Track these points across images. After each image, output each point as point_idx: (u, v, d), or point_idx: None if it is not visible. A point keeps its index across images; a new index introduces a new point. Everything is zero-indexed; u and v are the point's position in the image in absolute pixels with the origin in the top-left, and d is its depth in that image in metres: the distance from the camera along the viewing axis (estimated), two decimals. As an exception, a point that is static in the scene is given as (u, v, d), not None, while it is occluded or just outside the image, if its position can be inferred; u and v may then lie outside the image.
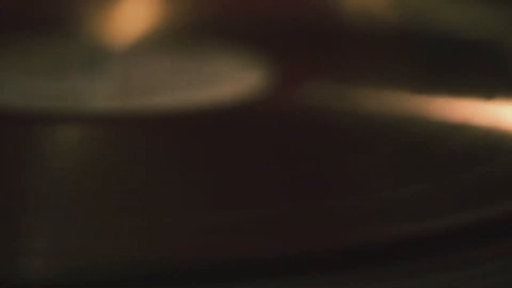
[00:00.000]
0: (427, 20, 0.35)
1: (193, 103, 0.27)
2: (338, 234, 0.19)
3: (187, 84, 0.29)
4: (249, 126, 0.26)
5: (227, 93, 0.28)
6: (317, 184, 0.22)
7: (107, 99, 0.28)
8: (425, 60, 0.31)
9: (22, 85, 0.28)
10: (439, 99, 0.27)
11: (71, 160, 0.23)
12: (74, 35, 0.32)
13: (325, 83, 0.28)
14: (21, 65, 0.30)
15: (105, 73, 0.29)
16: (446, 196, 0.21)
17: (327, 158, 0.24)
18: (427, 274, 0.18)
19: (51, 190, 0.22)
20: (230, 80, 0.29)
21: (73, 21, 0.33)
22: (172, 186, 0.22)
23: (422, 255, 0.19)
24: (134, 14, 0.33)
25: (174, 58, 0.31)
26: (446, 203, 0.21)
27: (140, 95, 0.28)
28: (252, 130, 0.26)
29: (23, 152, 0.24)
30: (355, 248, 0.19)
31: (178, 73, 0.30)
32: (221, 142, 0.25)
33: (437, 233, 0.19)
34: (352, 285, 0.18)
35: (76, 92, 0.28)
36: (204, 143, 0.25)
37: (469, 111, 0.26)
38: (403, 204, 0.21)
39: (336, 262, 0.18)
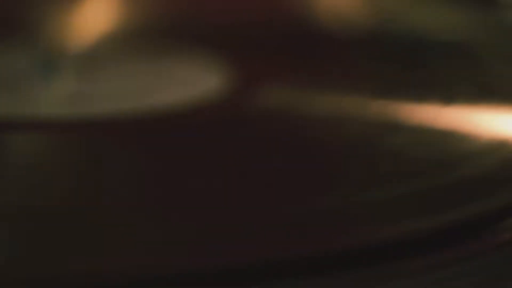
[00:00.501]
0: (395, 23, 0.35)
1: (151, 107, 0.27)
2: (315, 239, 0.19)
3: (145, 88, 0.29)
4: (206, 130, 0.25)
5: (185, 97, 0.27)
6: (281, 189, 0.22)
7: (63, 104, 0.28)
8: (391, 63, 0.31)
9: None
10: (403, 103, 0.27)
11: (24, 167, 0.23)
12: (29, 39, 0.32)
13: (286, 86, 0.28)
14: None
15: (60, 78, 0.29)
16: (417, 200, 0.21)
17: (286, 163, 0.23)
18: (399, 278, 0.18)
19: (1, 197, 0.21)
20: (188, 83, 0.29)
21: (28, 24, 0.33)
22: (125, 192, 0.21)
23: (395, 258, 0.18)
24: (91, 18, 0.33)
25: (132, 62, 0.31)
26: (418, 207, 0.21)
27: (96, 100, 0.28)
28: (210, 134, 0.25)
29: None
30: (333, 252, 0.18)
31: (136, 77, 0.30)
32: (178, 146, 0.24)
33: (410, 237, 0.19)
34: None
35: (31, 98, 0.28)
36: (161, 148, 0.24)
37: (432, 114, 0.26)
38: (373, 209, 0.21)
39: (315, 266, 0.18)
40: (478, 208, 0.20)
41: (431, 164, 0.23)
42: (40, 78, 0.29)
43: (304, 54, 0.31)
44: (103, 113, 0.26)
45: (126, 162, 0.23)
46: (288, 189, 0.22)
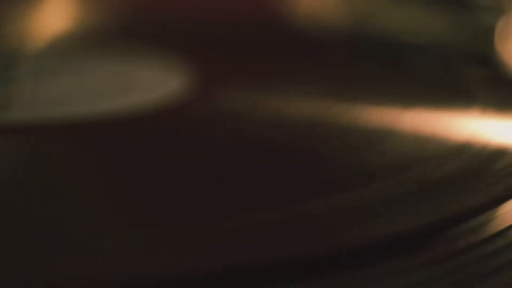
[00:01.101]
0: (369, 25, 0.35)
1: (110, 110, 0.26)
2: (276, 246, 0.19)
3: (105, 90, 0.29)
4: (167, 133, 0.25)
5: (146, 100, 0.27)
6: (243, 194, 0.21)
7: (20, 107, 0.27)
8: (360, 65, 0.31)
9: None
10: (364, 105, 0.27)
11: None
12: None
13: (247, 88, 0.28)
14: None
15: (18, 81, 0.29)
16: (381, 206, 0.21)
17: (246, 166, 0.23)
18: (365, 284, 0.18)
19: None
20: (149, 86, 0.29)
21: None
22: (91, 195, 0.21)
23: (361, 264, 0.18)
24: (49, 19, 0.33)
25: (92, 64, 0.31)
26: (381, 212, 0.20)
27: (55, 103, 0.27)
28: (170, 136, 0.25)
29: None
30: (301, 260, 0.18)
31: (95, 79, 0.29)
32: (138, 148, 0.24)
33: (374, 242, 0.19)
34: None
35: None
36: (122, 150, 0.24)
37: (396, 117, 0.26)
38: (333, 215, 0.20)
39: (279, 273, 0.18)
40: (441, 213, 0.20)
41: (392, 168, 0.23)
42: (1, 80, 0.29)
43: (268, 56, 0.31)
44: (62, 116, 0.26)
45: (88, 165, 0.23)
46: (255, 192, 0.21)
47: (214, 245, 0.19)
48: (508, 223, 0.20)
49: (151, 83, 0.29)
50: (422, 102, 0.27)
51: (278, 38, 0.32)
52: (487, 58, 0.32)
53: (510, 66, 0.31)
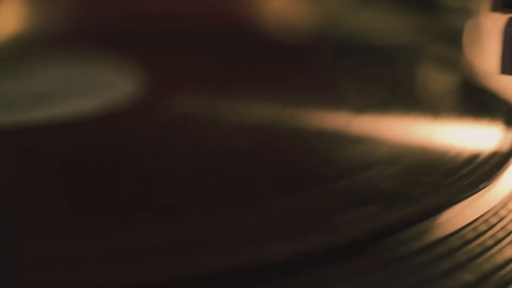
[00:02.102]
0: (332, 29, 0.35)
1: (59, 113, 0.26)
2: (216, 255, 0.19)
3: (54, 93, 0.28)
4: (118, 136, 0.25)
5: (96, 103, 0.27)
6: (191, 198, 0.21)
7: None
8: (319, 70, 0.31)
9: None
10: (319, 109, 0.27)
11: None
12: None
13: (200, 93, 0.28)
14: None
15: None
16: (316, 213, 0.21)
17: (195, 170, 0.23)
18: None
19: None
20: (100, 89, 0.28)
21: None
22: (41, 200, 0.21)
23: (302, 270, 0.18)
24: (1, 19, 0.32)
25: (40, 67, 0.30)
26: (317, 219, 0.20)
27: (4, 106, 0.27)
28: (120, 139, 0.25)
29: None
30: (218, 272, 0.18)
31: (44, 82, 0.29)
32: (89, 152, 0.24)
33: (315, 247, 0.19)
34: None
35: None
36: (73, 154, 0.24)
37: (346, 121, 0.26)
38: (277, 220, 0.20)
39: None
40: (383, 220, 0.20)
41: (338, 173, 0.23)
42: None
43: (226, 60, 0.31)
44: (8, 120, 0.26)
45: (37, 167, 0.23)
46: (196, 200, 0.21)
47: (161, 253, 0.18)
48: (448, 231, 0.20)
49: (102, 86, 0.28)
50: (382, 106, 0.27)
51: (239, 41, 0.32)
52: (454, 61, 0.32)
53: (477, 68, 0.31)
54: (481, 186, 0.22)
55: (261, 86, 0.29)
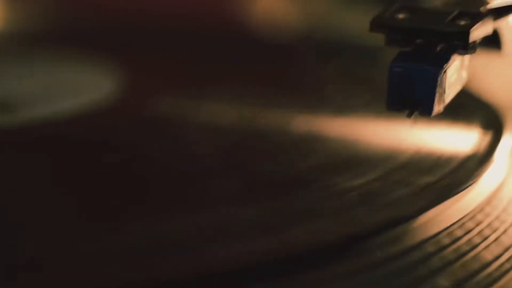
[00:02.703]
0: (316, 29, 0.35)
1: (38, 114, 0.26)
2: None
3: (33, 95, 0.28)
4: (96, 136, 0.25)
5: (74, 104, 0.27)
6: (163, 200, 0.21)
7: None
8: (299, 70, 0.30)
9: None
10: (295, 111, 0.27)
11: None
12: None
13: (176, 94, 0.28)
14: None
15: None
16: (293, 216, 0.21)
17: (171, 169, 0.23)
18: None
19: None
20: (78, 90, 0.28)
21: None
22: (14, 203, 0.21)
23: (276, 274, 0.18)
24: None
25: (17, 67, 0.30)
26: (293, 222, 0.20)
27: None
28: (98, 140, 0.25)
29: None
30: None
31: (23, 82, 0.29)
32: (67, 153, 0.24)
33: (290, 252, 0.19)
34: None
35: None
36: (50, 155, 0.24)
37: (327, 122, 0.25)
38: (251, 223, 0.20)
39: None
40: (359, 225, 0.20)
41: (313, 176, 0.22)
42: None
43: (206, 60, 0.30)
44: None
45: (19, 169, 0.23)
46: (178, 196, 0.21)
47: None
48: (424, 236, 0.20)
49: (82, 87, 0.28)
50: (365, 107, 0.27)
51: (224, 41, 0.32)
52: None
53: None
54: (458, 190, 0.21)
55: (244, 87, 0.28)
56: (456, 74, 0.22)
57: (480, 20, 0.21)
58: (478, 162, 0.23)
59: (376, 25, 0.22)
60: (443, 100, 0.21)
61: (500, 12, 0.23)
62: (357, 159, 0.23)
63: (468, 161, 0.23)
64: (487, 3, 0.22)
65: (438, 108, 0.21)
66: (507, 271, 0.20)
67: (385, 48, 0.32)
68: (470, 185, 0.22)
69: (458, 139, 0.24)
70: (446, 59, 0.21)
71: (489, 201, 0.22)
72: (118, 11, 0.33)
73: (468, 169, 0.22)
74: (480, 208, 0.21)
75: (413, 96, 0.21)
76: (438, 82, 0.21)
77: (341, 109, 0.27)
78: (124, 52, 0.30)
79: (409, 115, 0.21)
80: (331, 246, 0.19)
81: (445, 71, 0.21)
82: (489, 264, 0.20)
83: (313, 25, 0.35)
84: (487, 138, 0.24)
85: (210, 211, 0.20)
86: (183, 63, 0.30)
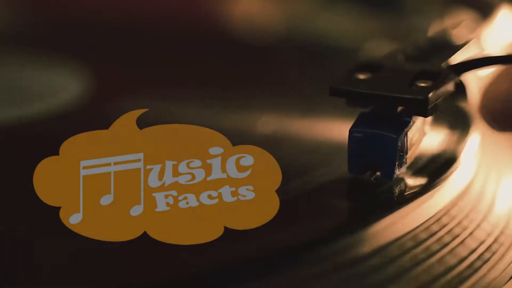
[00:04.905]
0: (297, 30, 0.35)
1: (5, 117, 0.26)
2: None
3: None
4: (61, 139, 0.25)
5: (39, 107, 0.27)
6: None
7: None
8: (276, 73, 0.30)
9: None
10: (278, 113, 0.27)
11: None
12: None
13: (146, 96, 0.27)
14: None
15: None
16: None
17: None
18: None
19: None
20: (43, 93, 0.28)
21: None
22: None
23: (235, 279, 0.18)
24: None
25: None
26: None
27: None
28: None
29: None
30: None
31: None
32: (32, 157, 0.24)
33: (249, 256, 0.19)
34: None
35: None
36: (17, 157, 0.24)
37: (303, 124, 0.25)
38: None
39: None
40: (318, 229, 0.20)
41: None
42: None
43: (179, 62, 0.30)
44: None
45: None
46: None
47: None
48: (386, 240, 0.19)
49: (48, 90, 0.28)
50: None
51: (200, 42, 0.32)
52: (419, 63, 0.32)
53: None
54: (423, 191, 0.21)
55: (219, 89, 0.28)
56: (418, 133, 0.22)
57: (441, 81, 0.21)
58: (444, 162, 0.22)
59: (336, 91, 0.21)
60: (405, 161, 0.21)
61: (462, 68, 0.22)
62: (318, 160, 0.23)
63: (434, 161, 0.22)
64: (450, 57, 0.22)
65: (399, 171, 0.21)
66: (470, 275, 0.19)
67: (365, 49, 0.32)
68: (436, 186, 0.21)
69: (425, 139, 0.23)
70: (406, 122, 0.21)
71: (455, 202, 0.21)
72: (84, 11, 0.33)
73: (433, 169, 0.22)
74: (446, 210, 0.21)
75: (373, 161, 0.20)
76: (399, 147, 0.20)
77: (321, 110, 0.26)
78: (91, 53, 0.30)
79: (370, 176, 0.21)
80: (288, 253, 0.19)
81: (405, 134, 0.21)
82: (453, 267, 0.19)
83: (293, 26, 0.35)
84: (455, 137, 0.24)
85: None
86: (155, 64, 0.30)
